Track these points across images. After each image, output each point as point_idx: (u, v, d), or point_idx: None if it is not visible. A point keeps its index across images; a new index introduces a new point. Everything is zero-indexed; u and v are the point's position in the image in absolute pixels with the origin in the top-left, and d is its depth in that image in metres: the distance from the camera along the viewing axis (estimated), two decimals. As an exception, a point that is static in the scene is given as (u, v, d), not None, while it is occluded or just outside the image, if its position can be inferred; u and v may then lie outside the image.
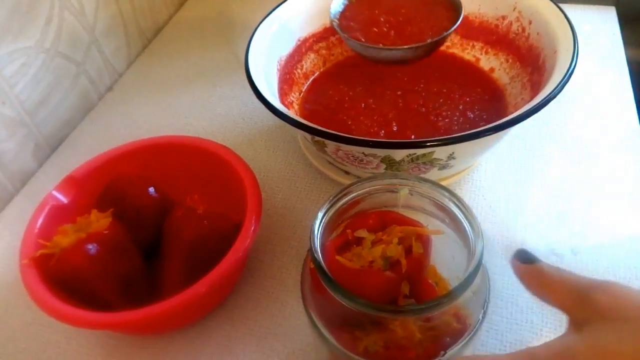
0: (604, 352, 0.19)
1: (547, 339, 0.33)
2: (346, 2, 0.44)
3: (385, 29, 0.42)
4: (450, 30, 0.41)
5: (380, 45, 0.41)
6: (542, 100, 0.34)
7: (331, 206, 0.26)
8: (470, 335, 0.24)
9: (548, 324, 0.34)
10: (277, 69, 0.45)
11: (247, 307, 0.36)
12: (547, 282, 0.24)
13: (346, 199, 0.26)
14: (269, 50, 0.44)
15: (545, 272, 0.24)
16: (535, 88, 0.40)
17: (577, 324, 0.22)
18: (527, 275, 0.25)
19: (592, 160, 0.44)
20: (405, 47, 0.41)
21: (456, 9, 0.43)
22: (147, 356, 0.35)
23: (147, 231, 0.37)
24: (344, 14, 0.44)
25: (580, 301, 0.22)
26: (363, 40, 0.42)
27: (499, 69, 0.46)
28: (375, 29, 0.42)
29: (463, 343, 0.24)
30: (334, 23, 0.43)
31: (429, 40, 0.41)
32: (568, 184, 0.42)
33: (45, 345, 0.36)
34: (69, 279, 0.32)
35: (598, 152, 0.44)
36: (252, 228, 0.33)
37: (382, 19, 0.43)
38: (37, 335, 0.36)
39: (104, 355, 0.35)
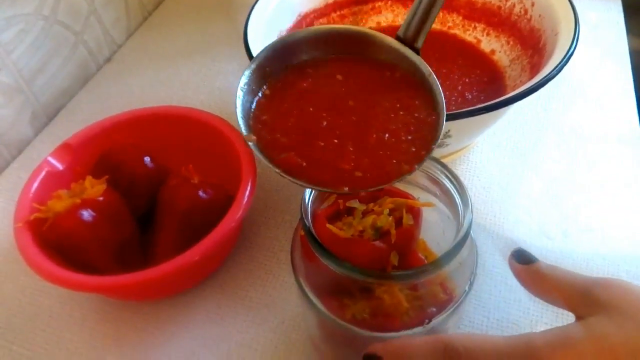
0: (604, 342, 0.20)
1: (534, 319, 0.34)
2: (259, 97, 0.27)
3: (335, 141, 0.25)
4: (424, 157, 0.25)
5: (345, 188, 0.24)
6: (539, 81, 0.34)
7: (323, 175, 0.26)
8: (455, 306, 0.24)
9: (536, 303, 0.34)
10: (277, 44, 0.44)
11: (239, 277, 0.37)
12: (546, 282, 0.24)
13: (339, 168, 0.26)
14: (269, 24, 0.43)
15: (543, 272, 0.25)
16: (535, 70, 0.40)
17: (578, 317, 0.22)
18: (525, 275, 0.26)
19: (588, 148, 0.44)
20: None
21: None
22: (140, 322, 0.35)
23: (142, 200, 0.37)
24: (257, 118, 0.26)
25: (582, 299, 0.23)
26: (294, 168, 0.25)
27: (500, 51, 0.46)
28: (321, 143, 0.25)
29: (447, 313, 0.24)
30: (248, 141, 0.26)
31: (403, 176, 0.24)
32: (563, 169, 0.42)
33: (39, 310, 0.36)
34: (63, 244, 0.33)
35: (595, 140, 0.44)
36: (246, 199, 0.33)
37: (324, 123, 0.26)
38: (31, 299, 0.37)
39: (97, 319, 0.35)
